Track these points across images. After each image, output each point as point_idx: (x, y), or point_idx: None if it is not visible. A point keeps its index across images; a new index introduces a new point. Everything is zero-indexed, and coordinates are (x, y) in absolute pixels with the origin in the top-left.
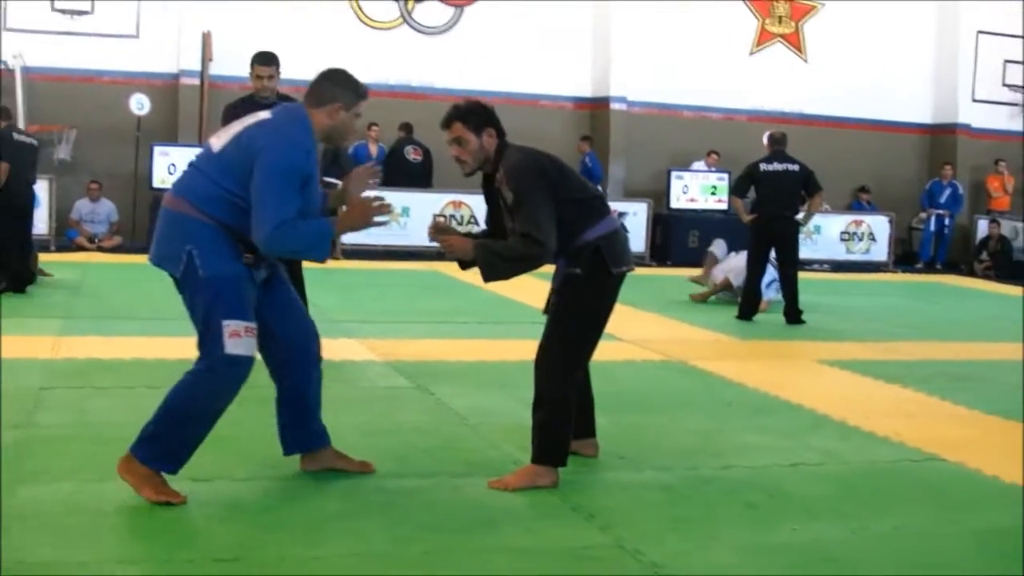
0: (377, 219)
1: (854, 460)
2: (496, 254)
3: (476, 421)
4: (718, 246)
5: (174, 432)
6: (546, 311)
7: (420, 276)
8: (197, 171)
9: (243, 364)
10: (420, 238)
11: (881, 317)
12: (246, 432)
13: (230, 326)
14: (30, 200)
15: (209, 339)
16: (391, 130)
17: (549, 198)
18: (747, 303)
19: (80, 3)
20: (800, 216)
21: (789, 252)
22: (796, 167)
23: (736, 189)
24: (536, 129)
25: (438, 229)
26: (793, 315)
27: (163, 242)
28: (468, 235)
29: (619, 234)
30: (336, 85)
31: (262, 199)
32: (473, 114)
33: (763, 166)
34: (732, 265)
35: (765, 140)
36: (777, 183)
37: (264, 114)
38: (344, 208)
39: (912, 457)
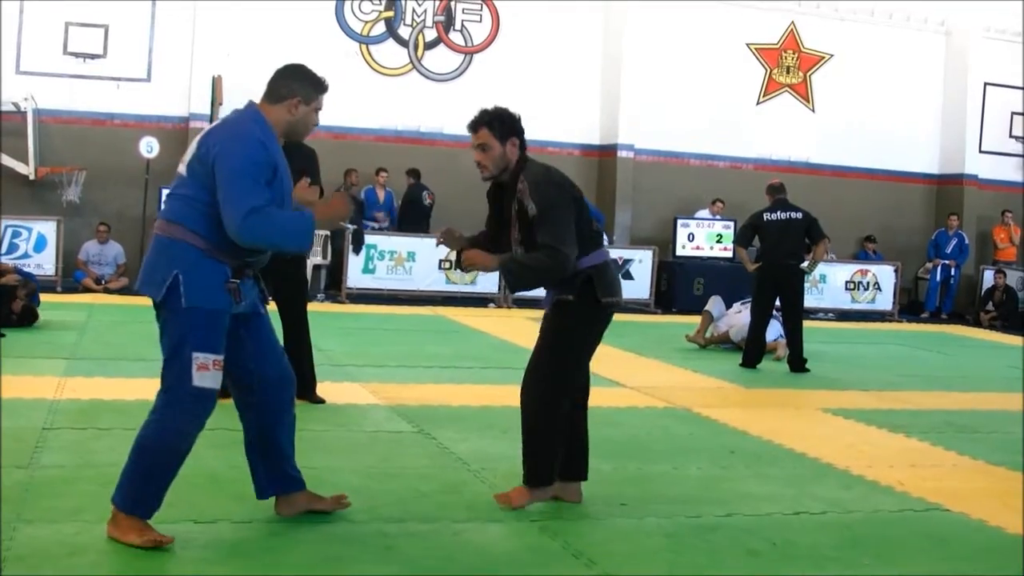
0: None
1: (857, 509)
2: (522, 264)
3: (478, 466)
4: (714, 305)
5: (144, 475)
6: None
7: (425, 321)
8: (175, 196)
9: (209, 398)
10: (425, 283)
11: (886, 366)
12: (243, 474)
13: (199, 359)
14: None
15: (176, 369)
16: (399, 175)
17: (572, 214)
18: (752, 351)
19: (92, 47)
20: (804, 264)
21: (793, 300)
22: (799, 215)
23: (739, 238)
24: None
25: (448, 237)
26: (797, 363)
27: (149, 268)
28: (471, 238)
29: (610, 265)
30: (294, 80)
31: (228, 194)
32: (500, 121)
33: (766, 215)
34: (735, 321)
35: (765, 191)
36: (781, 232)
37: (212, 125)
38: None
39: (916, 507)
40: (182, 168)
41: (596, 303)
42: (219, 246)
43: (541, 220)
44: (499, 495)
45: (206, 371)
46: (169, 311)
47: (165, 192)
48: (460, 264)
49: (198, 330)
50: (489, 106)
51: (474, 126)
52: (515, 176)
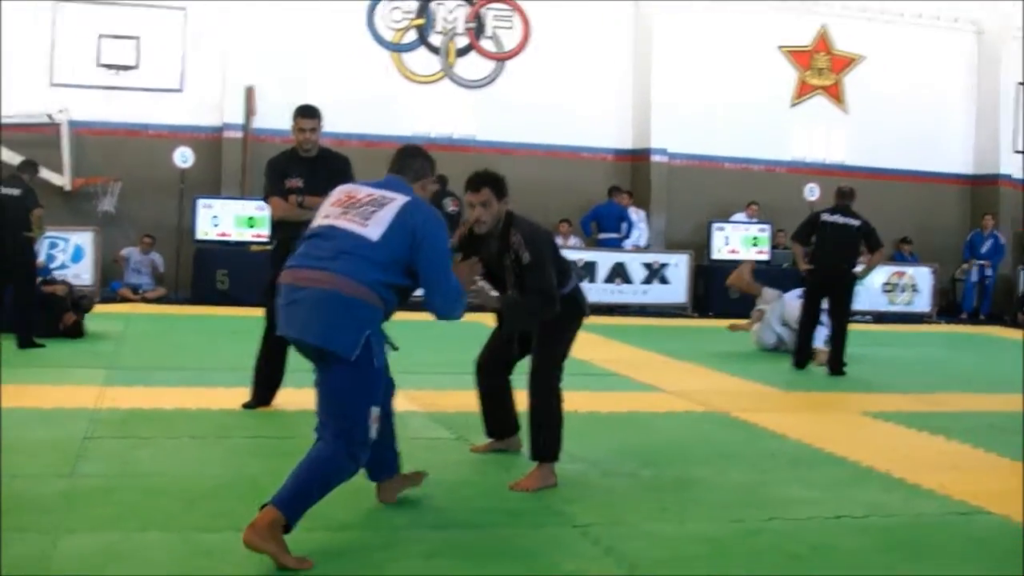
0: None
1: (899, 513)
2: (522, 307)
3: (518, 472)
4: (769, 296)
5: (310, 496)
6: (516, 348)
7: (461, 327)
8: (362, 258)
9: (371, 447)
10: None
11: (925, 369)
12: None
13: (374, 412)
14: (9, 254)
15: (355, 422)
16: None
17: (552, 261)
18: (801, 352)
19: (125, 58)
20: (858, 270)
21: (841, 304)
22: (857, 222)
23: (797, 235)
24: (577, 181)
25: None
26: (836, 366)
27: (337, 325)
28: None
29: (580, 287)
30: (427, 160)
31: (441, 275)
32: (499, 183)
33: (825, 216)
34: (788, 308)
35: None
36: (835, 235)
37: (400, 196)
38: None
39: (958, 510)
40: (367, 231)
41: (580, 315)
42: (387, 312)
43: (532, 268)
44: (515, 484)
45: (376, 424)
46: (356, 368)
47: (200, 201)
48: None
49: (379, 387)
50: (482, 169)
51: (477, 186)
52: (506, 229)
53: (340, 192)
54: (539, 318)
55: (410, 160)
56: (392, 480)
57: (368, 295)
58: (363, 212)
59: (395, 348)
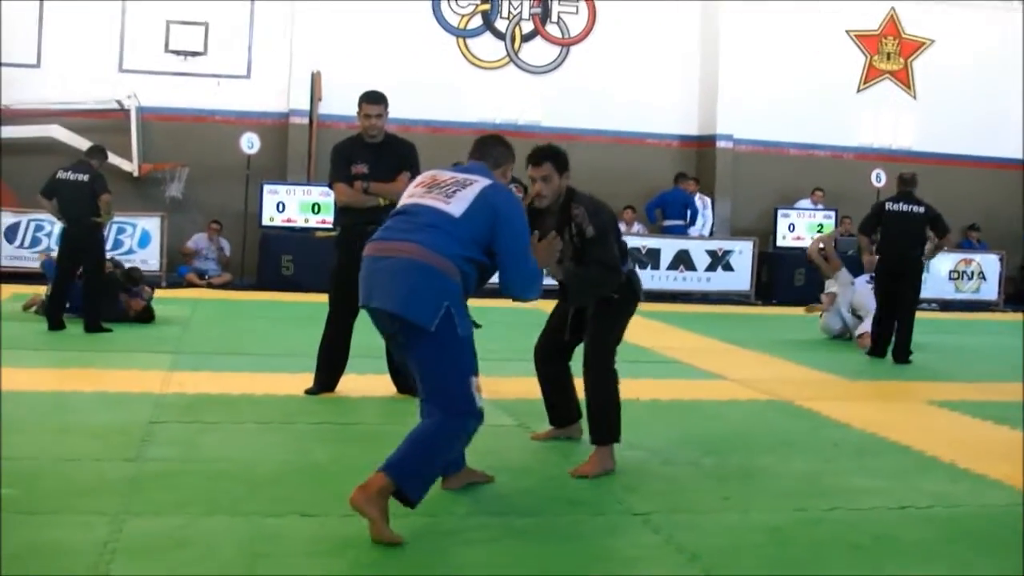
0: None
1: (965, 503)
2: (584, 277)
3: (578, 459)
4: (843, 280)
5: (422, 468)
6: (568, 334)
7: (522, 314)
8: (444, 232)
9: (483, 414)
10: None
11: (992, 357)
12: (348, 469)
13: (475, 381)
14: (77, 239)
15: (459, 392)
16: None
17: (615, 236)
18: (878, 340)
19: (193, 44)
20: (924, 253)
21: (907, 292)
22: (922, 209)
23: (863, 227)
24: (642, 167)
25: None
26: (901, 354)
27: (416, 292)
28: None
29: (636, 271)
30: (506, 148)
31: (520, 255)
32: (560, 157)
33: (889, 205)
34: (859, 295)
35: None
36: (901, 223)
37: (482, 179)
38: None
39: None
40: (450, 208)
41: (635, 299)
42: (465, 288)
43: (597, 241)
44: (575, 470)
45: (479, 391)
46: (440, 340)
47: (266, 187)
48: None
49: (471, 357)
50: (544, 143)
51: (538, 160)
52: (566, 203)
53: (424, 176)
54: (603, 290)
55: (490, 148)
56: (459, 471)
57: (449, 268)
58: (446, 191)
59: (478, 325)
